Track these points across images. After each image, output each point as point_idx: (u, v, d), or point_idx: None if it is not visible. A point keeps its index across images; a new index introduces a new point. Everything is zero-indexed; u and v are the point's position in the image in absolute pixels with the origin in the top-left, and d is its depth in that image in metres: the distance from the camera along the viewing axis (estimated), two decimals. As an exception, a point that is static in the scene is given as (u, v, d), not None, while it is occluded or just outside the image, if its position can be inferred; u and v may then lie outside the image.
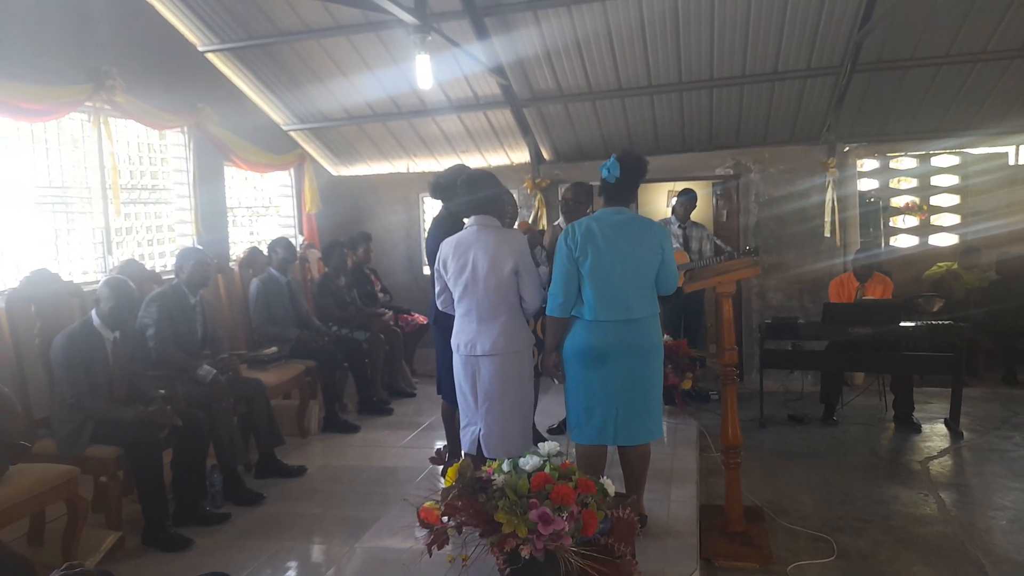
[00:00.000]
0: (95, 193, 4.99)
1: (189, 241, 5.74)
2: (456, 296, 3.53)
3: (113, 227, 5.13)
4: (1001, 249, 7.64)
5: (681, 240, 6.33)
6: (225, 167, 6.29)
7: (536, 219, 7.35)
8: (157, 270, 5.27)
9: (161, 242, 5.74)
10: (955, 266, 7.75)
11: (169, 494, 3.82)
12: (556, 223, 5.13)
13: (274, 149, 6.86)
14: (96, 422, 3.64)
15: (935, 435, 5.36)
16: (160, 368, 4.22)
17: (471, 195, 3.54)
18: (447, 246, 3.55)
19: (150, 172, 5.67)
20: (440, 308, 3.70)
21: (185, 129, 5.71)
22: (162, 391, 3.99)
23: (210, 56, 6.14)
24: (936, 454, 4.97)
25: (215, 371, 4.29)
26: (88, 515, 3.46)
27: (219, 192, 6.19)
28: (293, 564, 3.45)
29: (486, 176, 3.58)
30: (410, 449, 5.05)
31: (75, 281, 4.45)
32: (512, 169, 7.48)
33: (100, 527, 3.66)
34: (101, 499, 3.79)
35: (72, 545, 3.33)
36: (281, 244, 5.67)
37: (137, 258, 5.15)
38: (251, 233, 6.88)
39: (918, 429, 5.45)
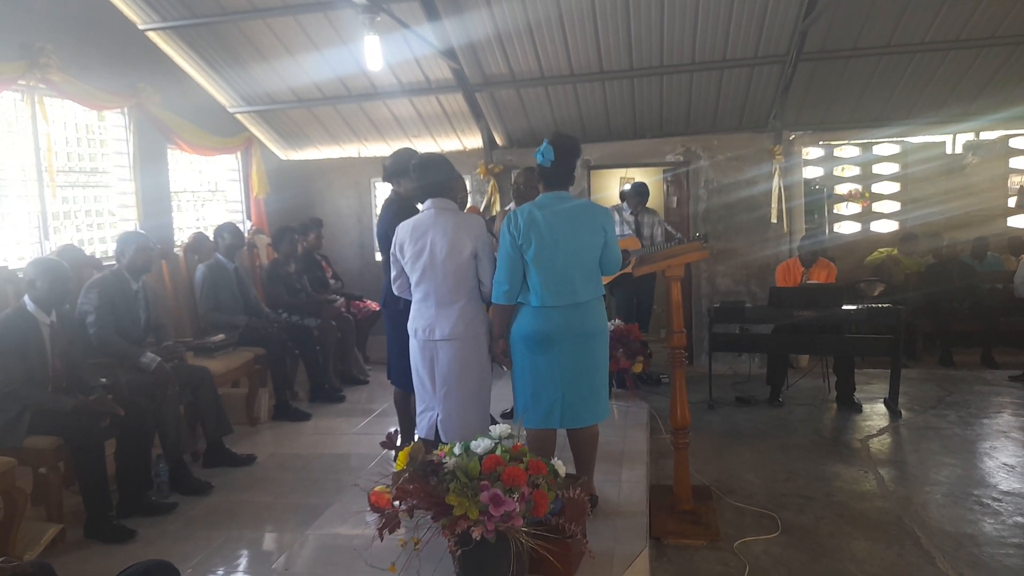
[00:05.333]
0: (30, 176, 4.80)
1: (131, 226, 5.57)
2: (413, 280, 3.49)
3: (50, 211, 4.95)
4: (939, 235, 7.93)
5: (633, 227, 6.40)
6: (169, 150, 6.11)
7: (489, 205, 7.34)
8: (97, 256, 5.11)
9: (101, 227, 5.55)
10: (895, 252, 8.01)
11: (113, 485, 3.72)
12: (507, 208, 5.13)
13: (220, 132, 6.69)
14: (34, 412, 3.52)
15: (875, 414, 5.55)
16: (101, 356, 4.10)
17: (423, 179, 3.50)
18: (403, 229, 3.51)
19: (89, 155, 5.47)
20: (396, 292, 3.66)
21: (125, 110, 5.53)
22: (103, 380, 3.88)
23: (151, 35, 5.94)
24: (876, 433, 5.15)
25: (159, 359, 4.19)
26: (27, 508, 3.35)
27: (162, 176, 6.02)
28: (243, 553, 3.40)
29: (438, 159, 3.55)
30: (363, 436, 5.01)
31: (10, 267, 4.29)
32: (465, 154, 7.45)
33: (41, 520, 3.56)
34: (41, 491, 3.66)
35: (9, 539, 3.22)
36: (228, 229, 5.54)
37: (76, 243, 4.98)
38: (197, 219, 6.71)
39: (859, 409, 5.63)
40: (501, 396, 5.31)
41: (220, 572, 3.21)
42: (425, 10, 5.56)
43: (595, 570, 3.01)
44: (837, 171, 8.92)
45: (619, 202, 7.06)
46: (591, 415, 3.39)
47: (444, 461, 2.70)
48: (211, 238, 5.67)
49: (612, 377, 5.46)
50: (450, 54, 6.09)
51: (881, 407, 5.68)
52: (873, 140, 8.32)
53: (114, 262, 4.38)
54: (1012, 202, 8.53)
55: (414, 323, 3.51)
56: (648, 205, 6.64)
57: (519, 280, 3.33)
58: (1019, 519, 3.71)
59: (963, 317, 7.18)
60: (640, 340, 5.44)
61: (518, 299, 3.35)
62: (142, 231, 4.80)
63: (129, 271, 4.29)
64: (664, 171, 7.97)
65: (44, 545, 3.35)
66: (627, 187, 6.94)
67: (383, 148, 7.65)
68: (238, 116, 7.16)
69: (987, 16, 5.70)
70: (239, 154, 7.12)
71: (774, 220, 6.91)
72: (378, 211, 7.71)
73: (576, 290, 3.29)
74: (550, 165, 3.33)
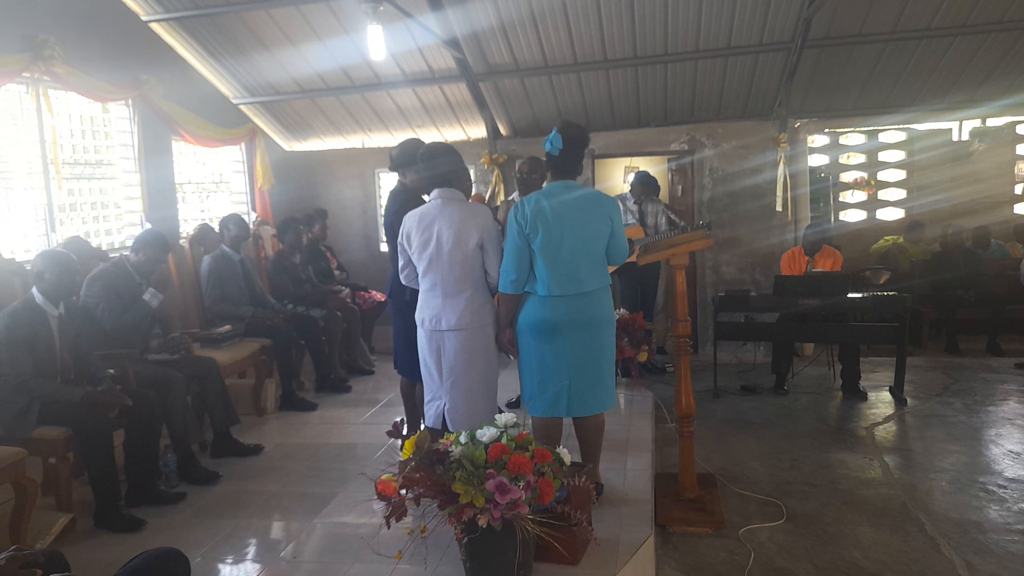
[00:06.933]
0: (36, 168, 4.82)
1: (136, 218, 5.60)
2: (420, 270, 3.50)
3: (56, 203, 4.97)
4: (945, 222, 7.90)
5: (637, 216, 6.39)
6: (173, 142, 6.12)
7: (494, 195, 7.33)
8: (103, 247, 5.13)
9: (107, 219, 5.57)
10: (900, 240, 7.98)
11: (122, 475, 3.75)
12: (510, 198, 5.13)
13: (224, 123, 6.69)
14: (42, 403, 3.55)
15: (880, 402, 5.55)
16: (120, 345, 4.12)
17: (431, 168, 3.50)
18: (410, 219, 3.51)
19: (94, 146, 5.49)
20: (403, 282, 3.66)
21: (130, 102, 5.53)
22: (111, 371, 3.91)
23: (154, 26, 5.94)
24: (881, 420, 5.15)
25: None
26: (37, 497, 3.38)
27: (167, 167, 6.02)
28: (251, 541, 3.42)
29: (446, 149, 3.54)
30: (369, 426, 5.04)
31: (17, 259, 4.31)
32: (469, 144, 7.44)
33: (51, 509, 3.59)
34: (51, 481, 3.70)
35: (20, 528, 3.26)
36: (233, 221, 5.56)
37: (82, 235, 5.00)
38: (202, 210, 6.72)
39: (864, 397, 5.63)
40: (506, 386, 5.33)
41: (229, 560, 3.24)
42: (428, -1, 5.55)
43: (601, 557, 3.03)
44: (842, 159, 8.88)
45: (624, 191, 7.04)
46: (598, 403, 3.40)
47: (450, 450, 2.71)
48: (216, 230, 5.69)
49: (617, 366, 5.48)
50: (453, 43, 6.07)
51: (886, 395, 5.68)
52: (879, 127, 8.28)
53: (126, 252, 4.40)
54: (1019, 189, 8.49)
55: (421, 313, 3.52)
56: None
57: (526, 269, 3.33)
58: (1024, 506, 3.72)
59: (968, 305, 7.16)
60: (644, 329, 5.44)
61: (525, 288, 3.36)
62: (162, 234, 4.66)
63: (136, 268, 4.32)
64: (669, 160, 7.94)
65: (55, 535, 3.38)
66: (630, 176, 6.93)
67: (387, 138, 7.65)
68: (242, 107, 7.16)
69: (994, 0, 5.66)
70: (243, 145, 7.13)
71: (779, 208, 6.90)
72: (383, 201, 7.73)
73: (582, 279, 3.30)
74: (558, 154, 3.33)
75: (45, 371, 3.60)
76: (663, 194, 8.11)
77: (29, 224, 4.84)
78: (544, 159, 4.83)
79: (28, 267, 4.09)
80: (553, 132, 3.33)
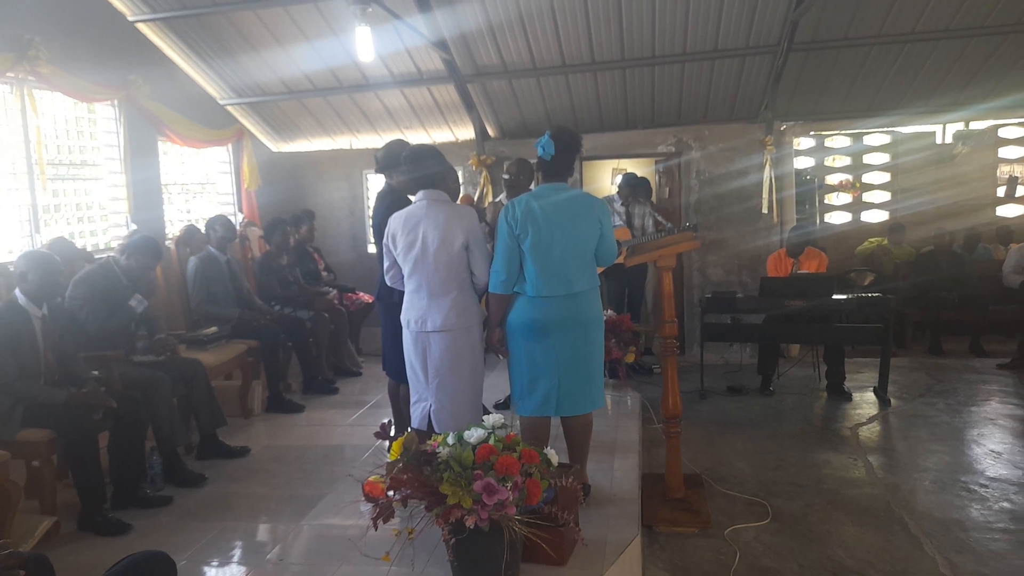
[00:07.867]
0: (20, 169, 4.78)
1: (122, 219, 5.56)
2: (406, 272, 3.50)
3: (40, 204, 4.92)
4: (928, 224, 7.98)
5: (624, 218, 6.41)
6: (159, 142, 6.09)
7: (482, 196, 7.34)
8: (88, 248, 5.09)
9: (92, 220, 5.53)
10: (885, 241, 8.06)
11: (107, 478, 3.73)
12: (498, 199, 5.14)
13: (211, 123, 6.66)
14: (26, 405, 3.52)
15: (864, 403, 5.59)
16: (105, 347, 4.10)
17: (415, 170, 3.50)
18: (396, 221, 3.51)
19: (78, 147, 5.45)
20: (389, 283, 3.67)
21: (115, 102, 5.49)
22: (96, 372, 3.88)
23: (141, 26, 5.90)
24: (865, 421, 5.19)
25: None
26: (20, 500, 3.34)
27: (153, 168, 5.99)
28: (238, 543, 3.41)
29: (429, 151, 3.55)
30: (356, 427, 5.03)
31: (0, 261, 4.28)
32: (457, 146, 7.44)
33: (34, 513, 3.56)
34: (35, 484, 3.67)
35: (3, 531, 3.22)
36: (220, 222, 5.54)
37: (67, 236, 4.96)
38: (188, 211, 6.68)
39: (849, 397, 5.67)
40: (494, 387, 5.35)
41: (215, 563, 3.23)
42: (416, 1, 5.54)
43: (588, 557, 3.04)
44: (828, 161, 8.96)
45: (612, 193, 7.07)
46: (587, 403, 3.42)
47: (438, 451, 2.71)
48: (203, 231, 5.66)
49: (605, 367, 5.49)
50: (442, 45, 6.08)
51: (870, 395, 5.73)
52: (864, 130, 8.36)
53: (112, 254, 4.36)
54: (1001, 191, 8.60)
55: (407, 314, 3.52)
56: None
57: (516, 270, 3.35)
58: (1005, 504, 3.77)
59: (952, 306, 7.24)
60: (632, 330, 5.47)
61: (514, 288, 3.37)
62: (155, 240, 4.51)
63: (125, 272, 4.29)
64: (656, 162, 7.98)
65: (38, 538, 3.35)
66: (618, 178, 6.96)
67: (375, 140, 7.64)
68: (229, 108, 7.13)
69: (976, 5, 5.72)
70: (230, 146, 7.10)
71: (765, 210, 6.95)
72: (370, 203, 7.72)
73: (571, 280, 3.32)
74: (550, 159, 3.35)
75: (29, 373, 3.57)
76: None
77: (13, 225, 4.80)
78: (531, 161, 4.85)
79: (12, 268, 4.06)
80: (545, 137, 3.35)
